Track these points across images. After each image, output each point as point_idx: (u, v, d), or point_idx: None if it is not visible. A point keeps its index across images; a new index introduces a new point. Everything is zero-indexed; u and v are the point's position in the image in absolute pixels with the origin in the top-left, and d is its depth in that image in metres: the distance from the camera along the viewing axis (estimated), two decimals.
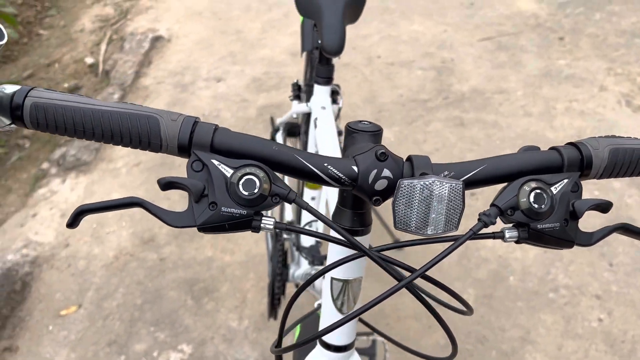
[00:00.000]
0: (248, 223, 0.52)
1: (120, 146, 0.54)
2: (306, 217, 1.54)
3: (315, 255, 1.42)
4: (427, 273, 0.53)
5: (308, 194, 1.57)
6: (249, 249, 2.15)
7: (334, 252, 0.68)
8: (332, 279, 0.69)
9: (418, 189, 0.51)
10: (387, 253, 0.56)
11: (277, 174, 0.54)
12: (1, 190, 2.49)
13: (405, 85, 3.06)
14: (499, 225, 0.54)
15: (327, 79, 1.45)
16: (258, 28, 3.64)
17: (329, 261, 0.68)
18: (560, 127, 2.74)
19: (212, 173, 0.52)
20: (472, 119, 2.80)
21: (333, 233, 0.57)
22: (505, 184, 0.56)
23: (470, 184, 0.56)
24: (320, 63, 1.43)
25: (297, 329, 1.00)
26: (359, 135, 0.58)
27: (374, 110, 2.87)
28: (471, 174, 0.56)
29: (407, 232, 0.52)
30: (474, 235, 0.53)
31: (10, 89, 0.52)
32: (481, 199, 2.28)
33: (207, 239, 2.19)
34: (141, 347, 1.83)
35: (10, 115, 0.52)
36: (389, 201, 0.54)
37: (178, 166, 2.52)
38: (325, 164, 0.54)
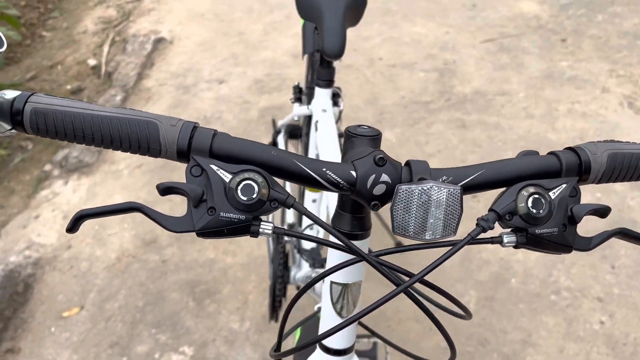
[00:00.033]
0: (246, 228, 0.52)
1: (119, 151, 0.54)
2: (307, 219, 1.54)
3: (316, 258, 1.43)
4: (426, 278, 0.53)
5: (309, 197, 1.57)
6: (250, 250, 2.15)
7: (333, 256, 0.68)
8: (332, 282, 0.70)
9: (416, 194, 0.51)
10: (387, 257, 0.56)
11: (276, 179, 0.54)
12: (4, 191, 2.50)
13: (407, 87, 3.06)
14: (497, 229, 0.54)
15: (328, 82, 1.45)
16: (260, 30, 3.64)
17: (328, 265, 0.68)
18: (563, 128, 2.73)
19: (211, 178, 0.52)
20: (474, 120, 2.80)
21: (332, 237, 0.57)
22: (503, 188, 0.56)
23: (469, 189, 0.56)
24: (321, 66, 1.43)
25: (298, 332, 1.00)
26: (358, 140, 0.58)
27: (376, 112, 2.87)
28: (469, 179, 0.56)
29: (406, 237, 0.52)
30: (472, 240, 0.53)
31: (10, 94, 0.52)
32: (482, 200, 2.28)
33: (209, 240, 2.20)
34: (143, 349, 1.83)
35: (11, 121, 0.52)
36: (389, 205, 0.54)
37: (179, 168, 2.52)
38: (324, 169, 0.54)
